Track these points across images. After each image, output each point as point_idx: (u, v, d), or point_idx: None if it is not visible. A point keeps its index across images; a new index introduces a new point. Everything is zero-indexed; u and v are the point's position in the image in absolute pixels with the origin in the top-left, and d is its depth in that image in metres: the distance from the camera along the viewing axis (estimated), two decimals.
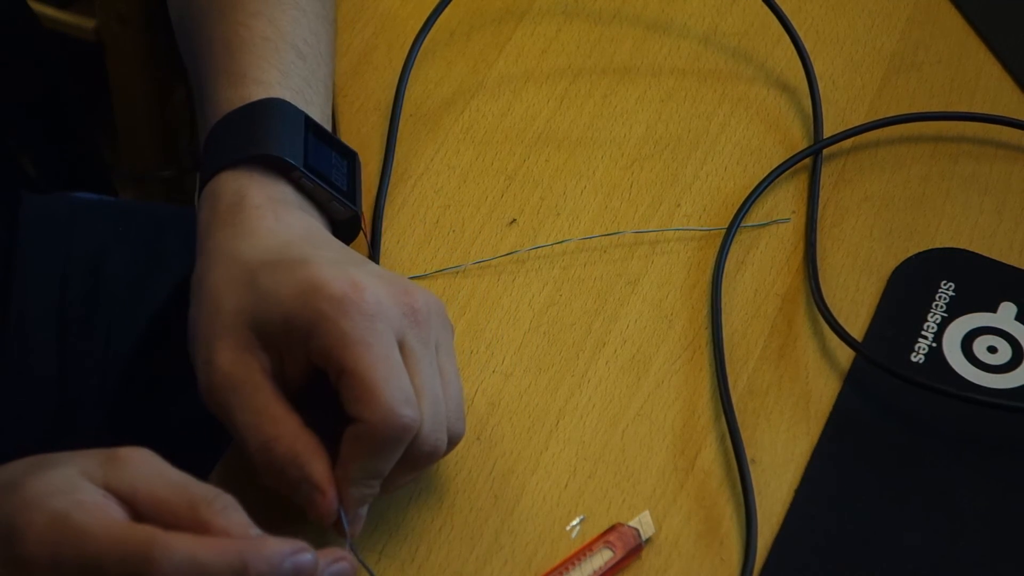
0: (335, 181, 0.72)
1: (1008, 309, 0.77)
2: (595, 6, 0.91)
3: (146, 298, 0.92)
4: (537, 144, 0.84)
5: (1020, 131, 0.85)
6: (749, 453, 0.71)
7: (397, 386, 0.61)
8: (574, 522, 0.69)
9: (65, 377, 0.89)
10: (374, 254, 0.77)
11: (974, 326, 0.76)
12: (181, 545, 0.55)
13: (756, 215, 0.81)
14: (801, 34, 0.89)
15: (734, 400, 0.73)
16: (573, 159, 0.83)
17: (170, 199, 1.65)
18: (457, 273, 0.77)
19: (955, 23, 0.91)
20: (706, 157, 0.84)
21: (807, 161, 0.83)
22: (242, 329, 0.63)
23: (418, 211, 0.80)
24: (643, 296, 0.77)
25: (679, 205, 0.81)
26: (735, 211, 0.80)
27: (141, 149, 1.62)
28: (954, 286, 0.78)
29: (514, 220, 0.80)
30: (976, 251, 0.80)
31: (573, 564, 0.67)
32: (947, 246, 0.80)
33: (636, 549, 0.67)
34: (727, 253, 0.79)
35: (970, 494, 0.70)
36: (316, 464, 0.62)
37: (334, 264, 0.64)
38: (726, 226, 0.80)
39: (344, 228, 0.73)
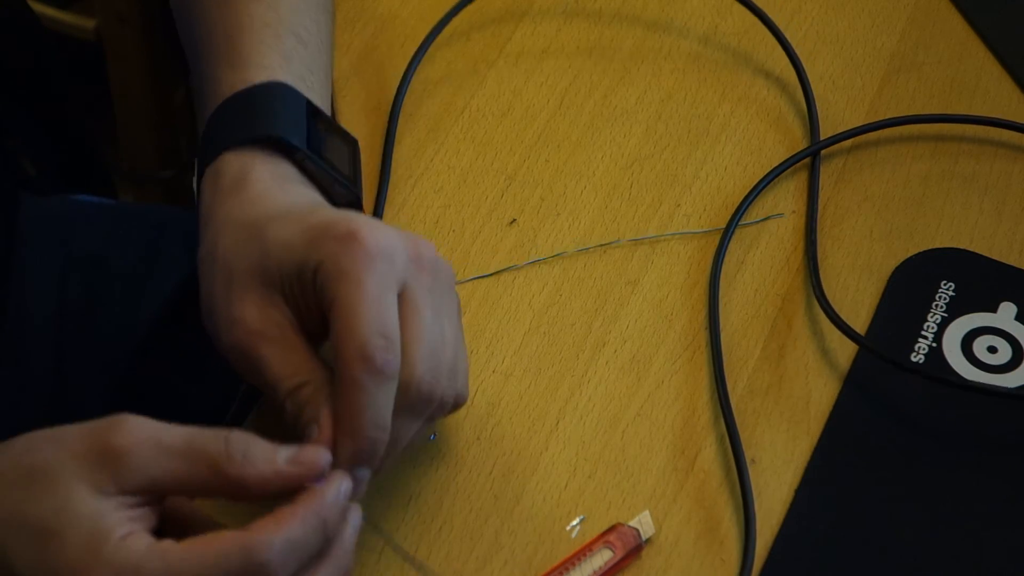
0: (337, 165, 0.72)
1: (1008, 309, 0.77)
2: (595, 6, 0.91)
3: (145, 300, 0.92)
4: (537, 144, 0.84)
5: (1020, 133, 0.85)
6: (749, 453, 0.71)
7: (377, 325, 0.60)
8: (574, 522, 0.69)
9: (64, 379, 0.89)
10: None
11: (974, 326, 0.76)
12: (276, 534, 0.55)
13: (756, 215, 0.81)
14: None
15: (735, 400, 0.73)
16: (573, 159, 0.83)
17: (170, 199, 1.65)
18: (457, 273, 0.77)
19: (955, 23, 0.91)
20: (706, 157, 0.84)
21: (807, 160, 0.83)
22: (258, 287, 0.64)
23: (418, 211, 0.80)
24: (643, 296, 0.77)
25: (679, 205, 0.81)
26: (734, 211, 0.80)
27: (141, 149, 1.62)
28: (954, 286, 0.78)
29: (514, 220, 0.80)
30: (976, 251, 0.80)
31: (573, 564, 0.67)
32: (947, 246, 0.80)
33: (636, 549, 0.67)
34: (724, 255, 0.79)
35: (970, 494, 0.70)
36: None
37: (342, 212, 0.65)
38: (723, 227, 0.80)
39: None
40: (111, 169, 1.17)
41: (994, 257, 0.79)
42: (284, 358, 0.63)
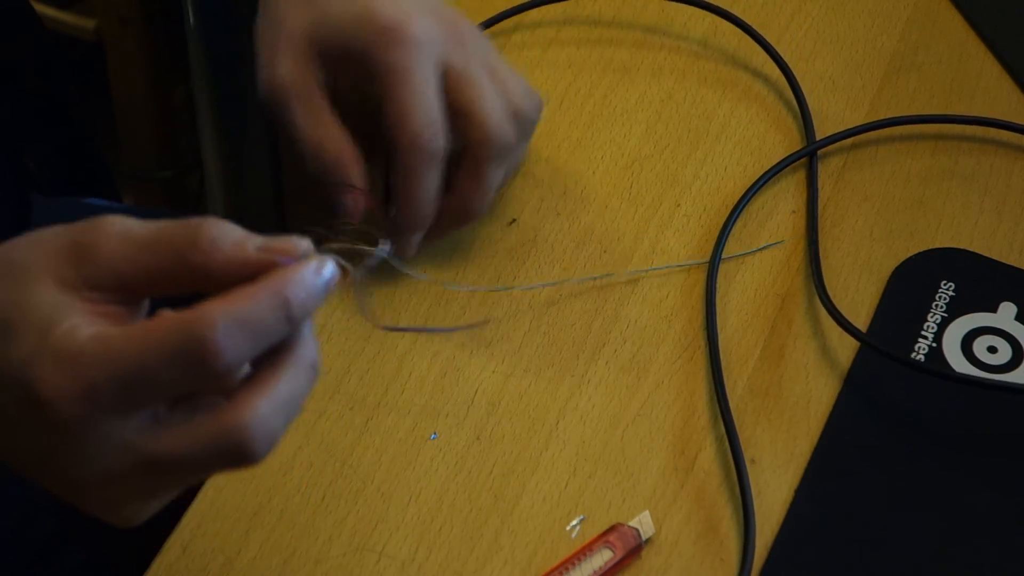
0: None
1: (1008, 309, 0.77)
2: (595, 6, 0.91)
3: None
4: (537, 144, 0.83)
5: (1020, 133, 0.85)
6: (749, 453, 0.71)
7: (425, 116, 0.69)
8: (574, 522, 0.69)
9: None
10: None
11: (974, 326, 0.76)
12: (218, 311, 0.51)
13: (755, 215, 0.81)
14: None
15: (735, 400, 0.73)
16: (573, 159, 0.83)
17: (170, 200, 1.65)
18: (457, 273, 0.77)
19: (955, 23, 0.91)
20: (706, 157, 0.84)
21: (807, 160, 0.83)
22: (302, 43, 0.71)
23: None
24: (643, 296, 0.77)
25: (679, 205, 0.81)
26: (731, 211, 0.80)
27: (141, 149, 1.62)
28: (954, 286, 0.78)
29: (514, 220, 0.80)
30: (976, 251, 0.80)
31: (573, 564, 0.67)
32: (947, 246, 0.80)
33: (636, 549, 0.67)
34: (721, 255, 0.79)
35: (971, 493, 0.70)
36: (354, 168, 0.71)
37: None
38: (719, 231, 0.80)
39: None
40: (112, 169, 1.17)
41: (994, 257, 0.79)
42: (307, 112, 0.71)
